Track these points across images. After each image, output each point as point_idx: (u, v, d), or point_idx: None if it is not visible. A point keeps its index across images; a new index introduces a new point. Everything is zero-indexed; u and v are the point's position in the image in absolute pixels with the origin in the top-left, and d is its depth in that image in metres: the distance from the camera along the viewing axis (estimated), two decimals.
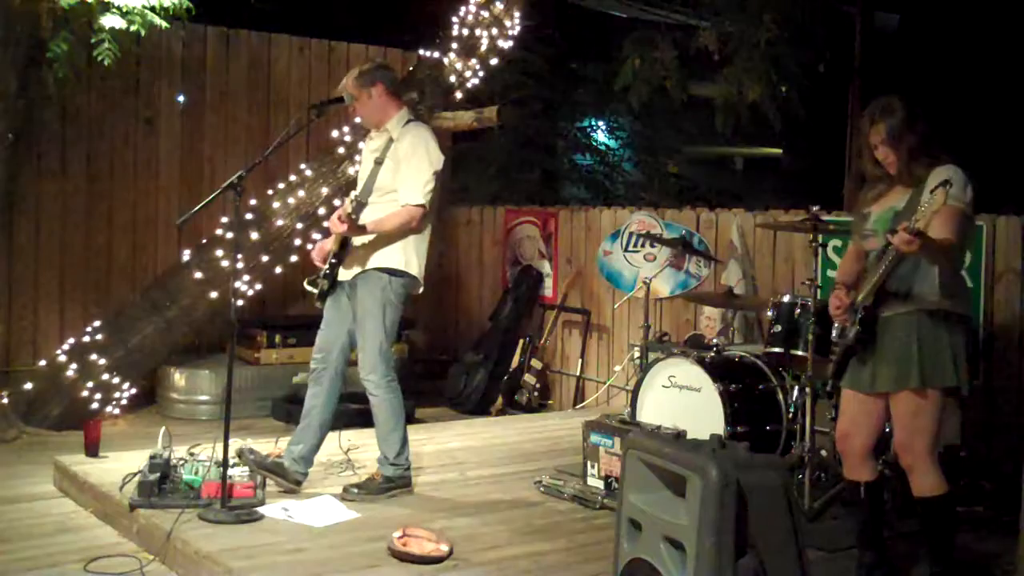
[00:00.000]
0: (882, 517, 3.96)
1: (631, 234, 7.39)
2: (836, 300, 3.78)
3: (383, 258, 4.70)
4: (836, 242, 5.90)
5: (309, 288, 4.87)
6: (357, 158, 5.08)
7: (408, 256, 4.73)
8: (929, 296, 3.60)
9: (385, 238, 4.70)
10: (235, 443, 4.89)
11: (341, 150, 7.10)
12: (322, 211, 6.95)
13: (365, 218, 4.71)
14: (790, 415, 5.08)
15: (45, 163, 7.23)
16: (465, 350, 8.13)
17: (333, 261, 4.76)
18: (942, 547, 3.65)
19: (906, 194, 3.69)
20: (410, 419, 5.37)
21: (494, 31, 7.44)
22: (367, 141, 4.99)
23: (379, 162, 4.78)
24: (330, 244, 4.84)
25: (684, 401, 5.15)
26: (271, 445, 5.48)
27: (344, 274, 4.78)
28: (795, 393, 5.07)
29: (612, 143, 12.53)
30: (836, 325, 3.87)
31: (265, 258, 7.02)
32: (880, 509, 3.93)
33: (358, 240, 4.74)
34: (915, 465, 3.62)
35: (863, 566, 3.82)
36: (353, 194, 4.79)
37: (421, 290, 4.86)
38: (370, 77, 4.78)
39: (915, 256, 3.48)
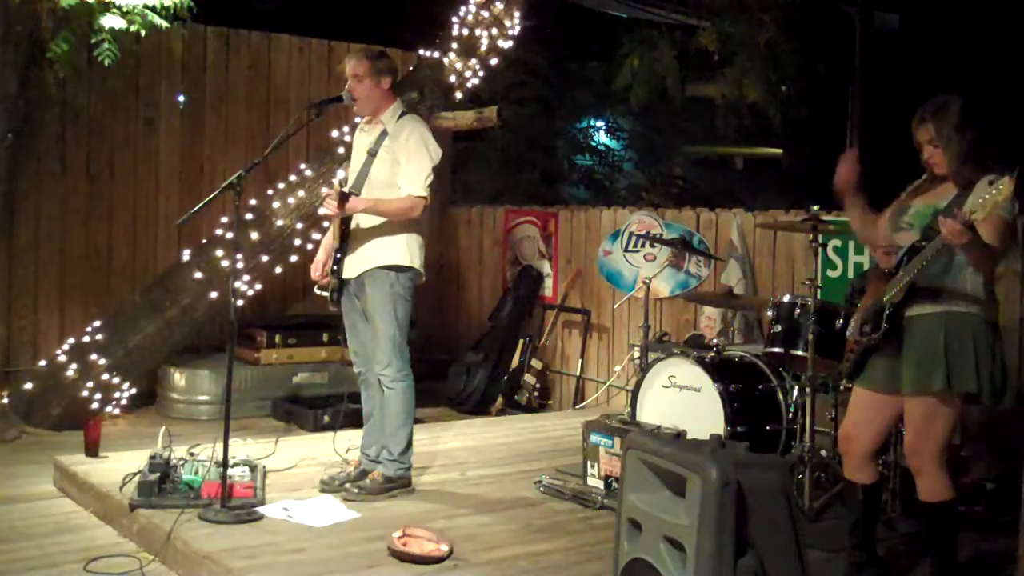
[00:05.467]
0: (876, 519, 3.94)
1: (631, 234, 7.39)
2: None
3: (386, 255, 4.70)
4: (836, 242, 5.90)
5: (321, 293, 4.89)
6: None
7: (412, 251, 4.74)
8: (959, 298, 3.53)
9: (386, 233, 4.69)
10: (235, 443, 4.90)
11: (341, 150, 7.09)
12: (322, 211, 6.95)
13: (359, 216, 4.73)
14: (790, 415, 5.08)
15: (45, 163, 7.22)
16: (465, 350, 8.12)
17: (337, 256, 4.76)
18: (945, 551, 3.64)
19: (951, 193, 3.59)
20: None
21: (494, 31, 7.43)
22: (358, 133, 4.95)
23: (372, 154, 4.76)
24: (323, 254, 4.85)
25: (684, 401, 5.15)
26: (271, 445, 5.50)
27: (349, 273, 4.77)
28: (795, 393, 5.06)
29: (613, 143, 12.52)
30: (851, 324, 3.81)
31: (265, 258, 7.02)
32: (875, 511, 3.91)
33: (362, 223, 4.72)
34: (923, 469, 3.58)
35: (853, 565, 3.81)
36: (341, 174, 4.78)
37: (424, 279, 4.88)
38: (385, 65, 4.78)
39: (950, 254, 3.42)
